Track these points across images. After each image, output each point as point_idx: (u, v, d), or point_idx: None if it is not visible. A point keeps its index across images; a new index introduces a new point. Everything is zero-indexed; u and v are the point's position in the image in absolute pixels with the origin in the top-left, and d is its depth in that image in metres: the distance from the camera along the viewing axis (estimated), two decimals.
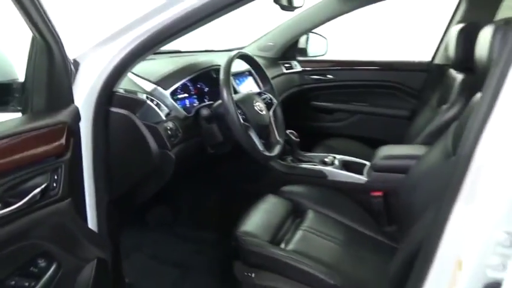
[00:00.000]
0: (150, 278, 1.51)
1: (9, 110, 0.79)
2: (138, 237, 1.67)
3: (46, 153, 0.70)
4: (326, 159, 1.71)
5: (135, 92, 1.17)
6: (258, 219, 1.37)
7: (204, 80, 1.50)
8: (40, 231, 0.71)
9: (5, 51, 0.77)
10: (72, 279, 0.81)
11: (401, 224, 1.41)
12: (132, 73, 1.24)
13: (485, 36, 1.05)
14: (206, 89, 1.52)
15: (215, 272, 1.62)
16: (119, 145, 1.07)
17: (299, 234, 1.33)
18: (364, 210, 1.55)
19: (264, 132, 1.39)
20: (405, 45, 2.70)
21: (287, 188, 1.58)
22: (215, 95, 1.53)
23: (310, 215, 1.45)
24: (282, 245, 1.28)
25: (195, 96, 1.47)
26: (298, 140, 1.72)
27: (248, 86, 1.80)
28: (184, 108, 1.37)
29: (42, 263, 0.74)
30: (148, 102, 1.13)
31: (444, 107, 1.74)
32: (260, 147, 1.29)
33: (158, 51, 1.93)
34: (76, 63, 1.00)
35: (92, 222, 1.03)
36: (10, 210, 0.63)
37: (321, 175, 1.65)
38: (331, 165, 1.68)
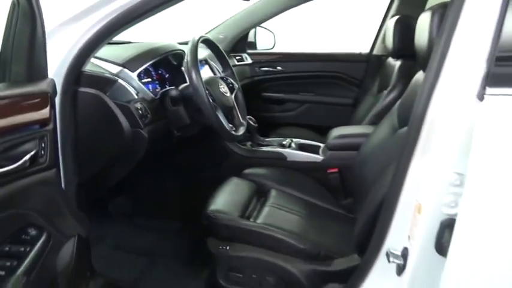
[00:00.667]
0: (116, 267, 1.49)
1: None
2: (100, 228, 1.62)
3: (32, 120, 0.70)
4: (284, 142, 1.80)
5: (102, 73, 1.16)
6: (225, 199, 1.42)
7: (164, 66, 1.52)
8: (29, 200, 0.70)
9: None
10: (55, 254, 0.80)
11: (356, 196, 1.54)
12: (96, 57, 1.22)
13: (424, 20, 1.20)
14: (167, 75, 1.53)
15: (182, 256, 1.63)
16: (89, 125, 1.06)
17: (266, 210, 1.40)
18: (322, 186, 1.67)
19: (228, 113, 1.45)
20: (345, 38, 2.90)
21: (249, 171, 1.64)
22: (176, 81, 1.56)
23: (273, 193, 1.53)
24: (251, 220, 1.34)
25: (157, 82, 1.48)
26: (256, 125, 1.79)
27: (205, 74, 1.83)
28: (150, 92, 1.37)
29: (32, 231, 0.73)
30: (120, 80, 1.13)
31: (385, 92, 1.92)
32: (227, 126, 1.34)
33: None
34: None
35: None
36: (5, 171, 0.62)
37: (281, 157, 1.74)
38: (289, 148, 1.78)
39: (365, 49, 2.49)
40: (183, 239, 1.75)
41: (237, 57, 2.47)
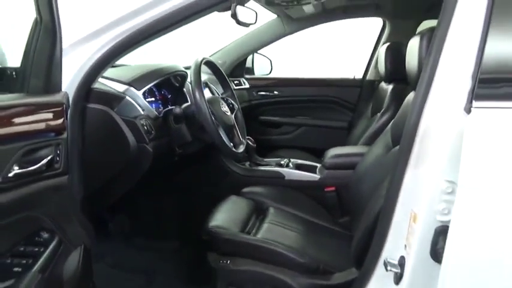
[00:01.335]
0: (115, 285, 1.48)
1: None
2: (99, 247, 1.63)
3: (49, 127, 0.74)
4: (282, 162, 1.85)
5: (110, 90, 1.22)
6: (225, 216, 1.45)
7: (167, 87, 1.58)
8: (43, 204, 0.73)
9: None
10: (63, 260, 0.82)
11: (353, 214, 1.57)
12: (103, 77, 1.28)
13: (413, 45, 1.28)
14: (169, 96, 1.59)
15: (180, 275, 1.63)
16: (97, 139, 1.10)
17: (265, 226, 1.43)
18: (319, 204, 1.70)
19: (230, 132, 1.50)
20: (340, 63, 3.01)
21: (248, 189, 1.68)
22: (177, 101, 1.62)
23: (271, 211, 1.56)
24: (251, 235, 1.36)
25: (159, 101, 1.53)
26: (255, 145, 1.84)
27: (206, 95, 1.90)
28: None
29: (45, 235, 0.75)
30: (127, 97, 1.18)
31: (378, 114, 2.00)
32: (229, 144, 1.39)
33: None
34: None
35: None
36: (25, 172, 0.65)
37: (279, 175, 1.78)
38: (287, 167, 1.82)
39: (358, 74, 2.59)
40: (181, 258, 1.75)
41: (235, 82, 2.54)
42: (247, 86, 2.63)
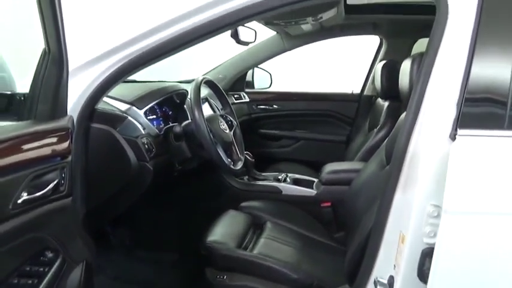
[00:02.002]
0: None
1: (6, 119, 0.85)
2: (101, 259, 1.66)
3: (55, 153, 0.78)
4: (279, 177, 1.89)
5: (112, 110, 1.26)
6: (223, 230, 1.48)
7: (168, 105, 1.63)
8: (48, 225, 0.77)
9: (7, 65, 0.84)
10: (66, 278, 0.85)
11: (348, 229, 1.61)
12: (106, 96, 1.32)
13: (406, 66, 1.33)
14: (170, 113, 1.64)
15: (180, 287, 1.67)
16: (99, 157, 1.14)
17: (261, 241, 1.47)
18: (315, 219, 1.73)
19: (227, 149, 1.54)
20: (337, 78, 3.07)
21: (246, 204, 1.72)
22: (178, 117, 1.67)
23: (268, 226, 1.60)
24: (248, 251, 1.40)
25: (161, 119, 1.58)
26: (253, 160, 1.88)
27: (205, 112, 1.95)
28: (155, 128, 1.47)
29: (49, 254, 0.79)
30: (130, 117, 1.23)
31: (375, 130, 2.04)
32: (227, 161, 1.43)
33: None
34: None
35: None
36: (33, 197, 0.70)
37: (276, 190, 1.82)
38: (284, 182, 1.86)
39: (357, 89, 2.63)
40: (180, 271, 1.78)
41: (235, 96, 2.59)
42: (247, 99, 2.68)
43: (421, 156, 0.93)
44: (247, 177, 1.92)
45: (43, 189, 0.73)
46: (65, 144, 0.81)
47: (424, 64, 0.95)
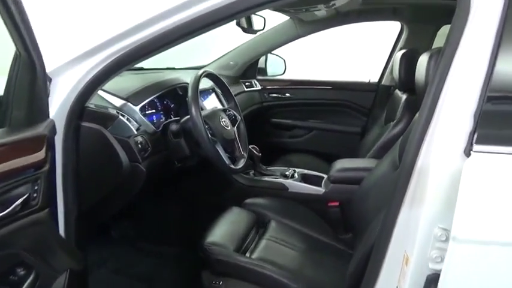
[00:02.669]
0: None
1: None
2: (102, 252, 1.66)
3: (27, 165, 0.73)
4: (286, 173, 1.81)
5: (106, 108, 1.21)
6: (224, 230, 1.43)
7: (170, 97, 1.56)
8: (20, 241, 0.73)
9: None
10: None
11: (355, 232, 1.53)
12: (102, 89, 1.27)
13: (422, 62, 1.21)
14: (172, 106, 1.57)
15: (181, 284, 1.64)
16: (90, 158, 1.10)
17: (263, 243, 1.41)
18: (322, 219, 1.66)
19: (229, 146, 1.47)
20: (354, 67, 2.92)
21: (250, 201, 1.66)
22: (181, 111, 1.60)
23: (272, 225, 1.54)
24: (248, 254, 1.35)
25: (161, 112, 1.52)
26: (260, 154, 1.81)
27: (212, 102, 1.87)
28: (152, 123, 1.41)
29: (21, 271, 0.76)
30: (120, 117, 1.17)
31: (391, 123, 1.92)
32: (226, 160, 1.37)
33: None
34: (48, 78, 1.03)
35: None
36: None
37: (282, 187, 1.75)
38: (291, 178, 1.78)
39: (374, 78, 2.49)
40: (182, 265, 1.76)
41: (247, 83, 2.50)
42: (258, 87, 2.59)
43: (430, 171, 0.83)
44: (253, 172, 1.86)
45: (9, 207, 0.68)
46: (40, 154, 0.76)
47: (440, 65, 0.84)
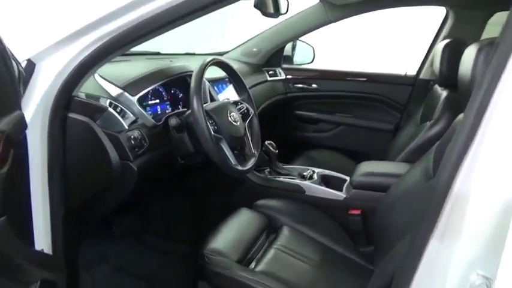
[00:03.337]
0: None
1: None
2: (104, 248, 1.58)
3: None
4: (305, 173, 1.64)
5: (97, 97, 1.09)
6: (230, 235, 1.31)
7: (178, 86, 1.43)
8: None
9: None
10: None
11: (378, 246, 1.35)
12: (100, 75, 1.16)
13: (469, 55, 1.00)
14: (181, 95, 1.44)
15: (184, 284, 1.54)
16: (77, 154, 0.99)
17: (271, 253, 1.27)
18: (341, 228, 1.49)
19: (237, 144, 1.32)
20: (391, 57, 2.66)
21: (262, 202, 1.52)
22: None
23: (285, 231, 1.39)
24: (252, 265, 1.21)
25: (168, 103, 1.39)
26: (276, 151, 1.65)
27: (228, 94, 1.72)
28: (155, 115, 1.29)
29: None
30: (110, 109, 1.05)
31: (428, 123, 1.70)
32: (232, 160, 1.22)
33: (135, 52, 1.89)
34: (31, 64, 0.92)
35: (43, 238, 0.96)
36: None
37: (299, 189, 1.59)
38: (310, 180, 1.62)
39: (412, 71, 2.24)
40: (187, 265, 1.66)
41: (270, 72, 2.34)
42: (283, 76, 2.41)
43: (472, 196, 0.65)
44: (268, 169, 1.70)
45: None
46: None
47: (492, 60, 0.65)
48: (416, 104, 2.08)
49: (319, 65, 2.43)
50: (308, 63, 2.46)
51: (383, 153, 2.06)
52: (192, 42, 2.49)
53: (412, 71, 2.23)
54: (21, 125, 0.77)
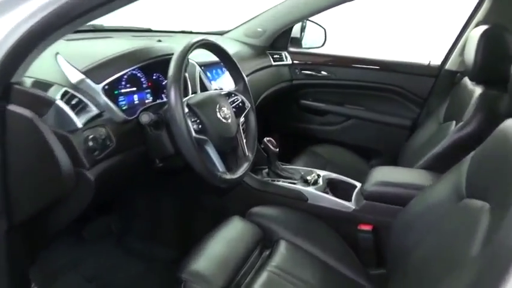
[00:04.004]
0: None
1: None
2: (73, 253, 1.38)
3: None
4: (308, 177, 1.42)
5: (50, 85, 0.86)
6: (215, 252, 1.10)
7: (162, 71, 1.19)
8: None
9: None
10: None
11: (391, 270, 1.15)
12: (63, 56, 0.93)
13: None
14: (164, 82, 1.20)
15: None
16: (19, 158, 0.77)
17: (264, 277, 1.06)
18: (348, 245, 1.28)
19: (227, 146, 1.09)
20: (412, 44, 2.40)
21: (257, 210, 1.31)
22: None
23: (281, 247, 1.19)
24: None
25: (147, 91, 1.16)
26: (277, 150, 1.42)
27: (224, 82, 1.48)
28: (130, 106, 1.06)
29: None
30: (58, 102, 0.82)
31: (453, 123, 1.46)
32: (219, 167, 0.99)
33: (120, 28, 1.64)
34: None
35: None
36: None
37: (300, 197, 1.37)
38: (314, 186, 1.39)
39: (436, 60, 1.98)
40: (172, 274, 1.47)
41: (275, 56, 2.10)
42: (289, 61, 2.17)
43: None
44: (266, 170, 1.48)
45: None
46: None
47: None
48: (439, 98, 1.84)
49: (330, 49, 2.18)
50: (318, 48, 2.20)
51: (397, 151, 1.84)
52: (190, 19, 2.24)
53: (436, 61, 1.97)
54: None
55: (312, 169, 1.50)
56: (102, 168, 0.86)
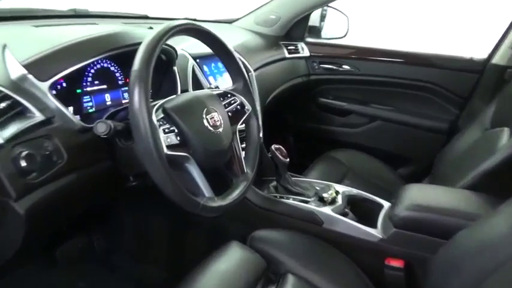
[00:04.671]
0: None
1: None
2: (48, 277, 1.20)
3: None
4: (325, 194, 1.17)
5: None
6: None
7: None
8: None
9: None
10: None
11: None
12: (8, 48, 0.72)
13: None
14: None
15: None
16: None
17: None
18: (372, 283, 1.03)
19: (217, 161, 0.84)
20: (450, 35, 2.15)
21: (261, 234, 1.09)
22: (162, 88, 1.01)
23: (289, 282, 0.97)
24: None
25: (125, 89, 0.94)
26: (287, 160, 1.18)
27: (226, 78, 1.25)
28: (100, 108, 0.84)
29: None
30: None
31: (505, 130, 1.19)
32: (205, 190, 0.75)
33: (111, 14, 1.44)
34: None
35: None
36: None
37: (313, 219, 1.13)
38: (331, 205, 1.15)
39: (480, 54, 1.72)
40: None
41: (290, 47, 1.90)
42: (306, 53, 1.96)
43: None
44: (274, 183, 1.25)
45: None
46: None
47: None
48: (484, 98, 1.59)
49: (353, 41, 1.96)
50: (340, 38, 2.00)
51: (431, 160, 1.59)
52: (197, 6, 2.05)
53: (480, 55, 1.70)
54: None
55: (329, 183, 1.26)
56: (42, 194, 0.64)
